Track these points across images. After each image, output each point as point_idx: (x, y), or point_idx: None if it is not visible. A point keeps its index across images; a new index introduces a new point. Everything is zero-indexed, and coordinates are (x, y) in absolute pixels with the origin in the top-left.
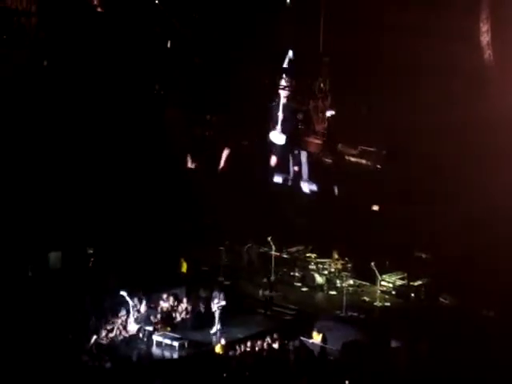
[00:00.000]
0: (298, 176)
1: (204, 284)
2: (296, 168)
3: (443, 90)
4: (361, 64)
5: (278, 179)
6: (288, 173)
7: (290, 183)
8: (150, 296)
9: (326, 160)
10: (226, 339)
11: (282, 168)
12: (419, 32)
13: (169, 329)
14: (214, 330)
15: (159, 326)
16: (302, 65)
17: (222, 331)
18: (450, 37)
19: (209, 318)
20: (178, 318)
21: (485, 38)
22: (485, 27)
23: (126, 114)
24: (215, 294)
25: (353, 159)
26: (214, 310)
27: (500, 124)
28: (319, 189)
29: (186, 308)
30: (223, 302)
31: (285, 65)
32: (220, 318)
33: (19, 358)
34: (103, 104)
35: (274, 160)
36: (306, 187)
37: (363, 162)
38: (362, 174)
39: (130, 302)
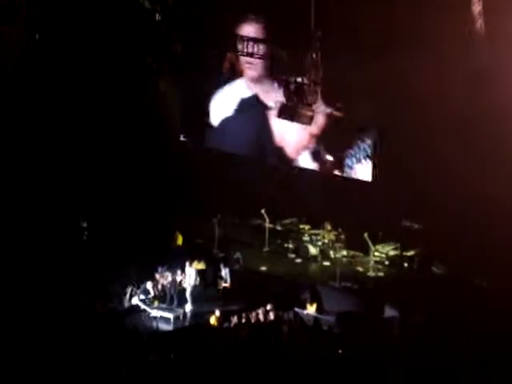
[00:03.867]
0: None
1: (198, 257)
2: None
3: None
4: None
5: None
6: None
7: None
8: (146, 269)
9: None
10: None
11: None
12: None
13: (156, 303)
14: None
15: (154, 298)
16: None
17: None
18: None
19: (202, 291)
20: (173, 291)
21: (476, 8)
22: None
23: (118, 89)
24: (188, 270)
25: None
26: (185, 286)
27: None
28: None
29: (181, 281)
30: (192, 282)
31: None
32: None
33: (9, 334)
34: (95, 79)
35: None
36: None
37: None
38: None
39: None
